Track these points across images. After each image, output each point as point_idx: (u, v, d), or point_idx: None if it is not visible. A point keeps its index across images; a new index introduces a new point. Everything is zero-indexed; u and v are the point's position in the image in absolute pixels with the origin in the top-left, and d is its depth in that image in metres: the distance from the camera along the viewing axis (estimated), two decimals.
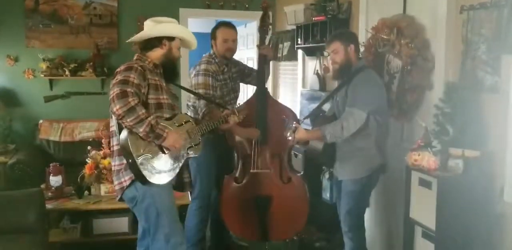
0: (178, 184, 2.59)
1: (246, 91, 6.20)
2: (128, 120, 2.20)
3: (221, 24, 3.33)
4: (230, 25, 3.32)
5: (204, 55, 3.34)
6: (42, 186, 3.62)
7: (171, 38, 2.52)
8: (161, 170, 2.36)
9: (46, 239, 3.08)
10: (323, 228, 3.74)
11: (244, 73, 3.49)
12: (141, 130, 2.23)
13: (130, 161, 2.28)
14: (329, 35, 3.74)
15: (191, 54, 5.08)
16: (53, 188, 3.53)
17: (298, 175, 3.32)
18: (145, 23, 2.56)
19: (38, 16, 5.03)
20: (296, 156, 4.11)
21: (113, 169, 2.49)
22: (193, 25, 5.65)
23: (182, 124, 2.50)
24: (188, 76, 3.36)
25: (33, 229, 2.93)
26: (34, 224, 2.94)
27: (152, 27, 2.51)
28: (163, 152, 2.38)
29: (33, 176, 4.21)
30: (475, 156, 2.33)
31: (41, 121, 4.98)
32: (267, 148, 3.25)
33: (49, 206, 3.30)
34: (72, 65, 4.98)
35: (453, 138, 2.41)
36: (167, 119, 2.43)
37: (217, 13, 5.36)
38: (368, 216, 3.37)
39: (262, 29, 3.35)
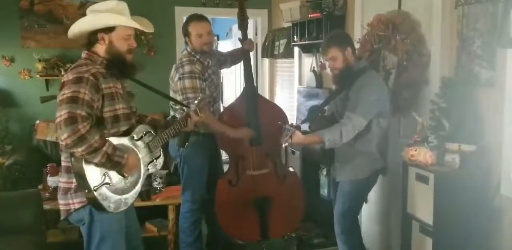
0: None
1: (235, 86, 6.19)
2: (79, 150, 1.92)
3: (191, 18, 3.11)
4: (201, 18, 3.10)
5: (183, 53, 3.18)
6: (40, 186, 3.62)
7: (108, 29, 2.14)
8: (121, 195, 2.12)
9: (44, 239, 3.08)
10: (322, 224, 3.74)
11: (220, 61, 3.35)
12: (95, 160, 1.96)
13: (87, 191, 2.01)
14: (325, 32, 3.76)
15: None
16: (50, 189, 3.52)
17: (291, 170, 3.33)
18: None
19: (33, 17, 5.00)
20: (293, 153, 4.11)
21: (59, 185, 2.20)
22: None
23: (142, 137, 2.24)
24: (171, 79, 3.13)
25: (31, 229, 2.92)
26: (32, 224, 2.93)
27: (83, 20, 2.16)
28: (122, 175, 2.12)
29: (30, 177, 4.18)
30: (471, 151, 2.34)
31: (37, 122, 4.95)
32: (262, 147, 3.21)
33: (46, 206, 3.28)
34: (68, 65, 4.95)
35: (449, 133, 2.42)
36: (124, 133, 2.17)
37: (212, 11, 5.34)
38: (366, 211, 3.38)
39: (242, 24, 3.25)
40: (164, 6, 5.23)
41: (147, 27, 2.31)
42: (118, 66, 2.19)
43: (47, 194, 3.47)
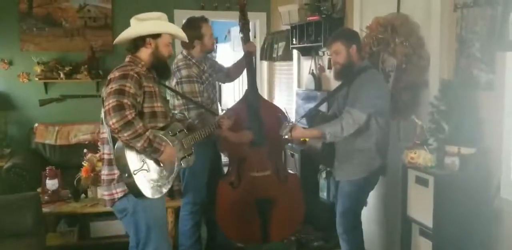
0: (168, 192, 2.50)
1: (238, 88, 6.19)
2: (125, 135, 2.11)
3: (202, 21, 3.16)
4: (207, 19, 3.21)
5: (178, 58, 3.17)
6: (39, 189, 3.61)
7: (156, 36, 2.38)
8: (157, 183, 2.30)
9: (43, 243, 3.07)
10: (321, 227, 3.74)
11: (215, 69, 3.36)
12: (138, 144, 2.15)
13: (126, 175, 2.19)
14: (324, 35, 3.76)
15: None
16: (49, 192, 3.51)
17: (292, 172, 3.35)
18: (130, 21, 2.43)
19: (32, 20, 5.00)
20: (292, 155, 4.11)
21: (102, 177, 2.40)
22: None
23: (176, 133, 2.44)
24: (168, 83, 3.11)
25: (30, 233, 2.91)
26: (31, 228, 2.92)
27: (133, 26, 2.39)
28: (159, 165, 2.31)
29: (29, 180, 4.18)
30: (471, 153, 2.33)
31: (36, 125, 4.95)
32: (264, 149, 3.22)
33: (45, 209, 3.28)
34: (67, 68, 4.95)
35: (449, 136, 2.42)
36: (161, 128, 2.36)
37: (211, 14, 5.34)
38: (366, 214, 3.37)
39: (244, 27, 3.30)
40: (163, 9, 5.15)
41: (184, 38, 2.57)
42: (159, 69, 2.44)
43: (46, 197, 3.46)
